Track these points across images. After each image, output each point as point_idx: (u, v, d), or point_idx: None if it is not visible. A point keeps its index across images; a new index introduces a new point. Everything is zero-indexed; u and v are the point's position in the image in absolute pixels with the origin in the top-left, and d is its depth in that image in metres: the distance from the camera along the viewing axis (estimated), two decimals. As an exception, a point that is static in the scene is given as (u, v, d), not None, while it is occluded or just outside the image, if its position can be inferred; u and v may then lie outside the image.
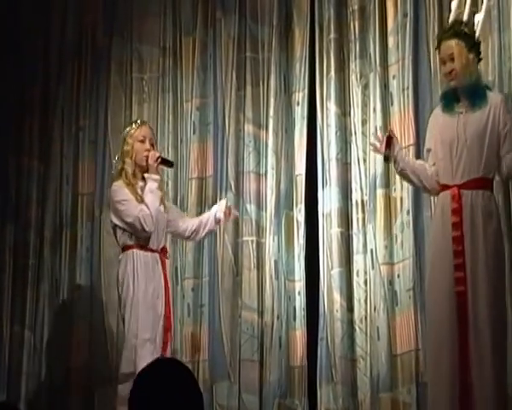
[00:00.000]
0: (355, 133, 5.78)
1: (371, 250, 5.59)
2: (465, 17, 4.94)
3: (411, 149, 5.49)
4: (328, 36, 5.92)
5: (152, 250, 5.24)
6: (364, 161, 5.72)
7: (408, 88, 5.56)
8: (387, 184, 5.59)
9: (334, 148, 5.82)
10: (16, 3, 6.90)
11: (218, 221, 5.50)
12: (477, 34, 4.85)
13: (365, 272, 5.62)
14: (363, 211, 5.68)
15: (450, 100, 4.78)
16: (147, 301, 5.15)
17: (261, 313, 5.90)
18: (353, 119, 5.80)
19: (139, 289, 5.13)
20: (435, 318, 4.68)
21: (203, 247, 6.17)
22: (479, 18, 4.98)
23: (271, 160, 6.01)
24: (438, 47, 4.87)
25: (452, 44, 4.73)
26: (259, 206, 6.04)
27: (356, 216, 5.71)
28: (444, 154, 4.75)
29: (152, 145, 5.38)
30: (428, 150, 4.87)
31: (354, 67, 5.83)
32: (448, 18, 5.09)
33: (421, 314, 5.31)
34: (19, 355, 6.53)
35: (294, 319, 5.80)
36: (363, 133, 5.74)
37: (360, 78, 5.80)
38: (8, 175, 6.82)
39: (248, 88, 6.16)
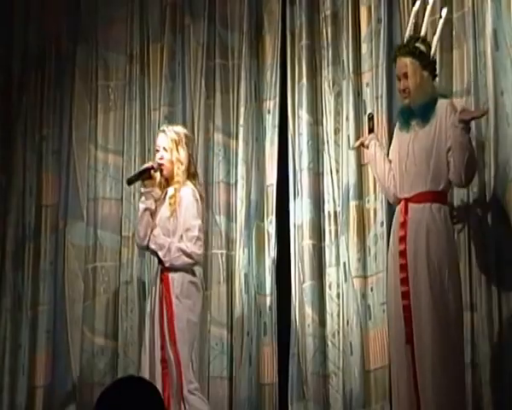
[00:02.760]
0: (327, 142, 5.68)
1: (344, 263, 5.49)
2: (423, 31, 4.89)
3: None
4: (299, 42, 5.83)
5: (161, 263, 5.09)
6: (337, 171, 5.63)
7: (381, 96, 5.46)
8: (361, 196, 5.50)
9: (305, 157, 5.73)
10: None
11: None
12: (432, 51, 4.80)
13: (338, 286, 5.52)
14: (336, 223, 5.59)
15: (405, 117, 4.79)
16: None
17: (231, 329, 5.80)
18: (326, 127, 5.71)
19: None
20: (391, 333, 4.74)
21: (171, 260, 6.03)
22: (435, 35, 4.93)
23: (241, 169, 5.92)
24: (394, 62, 4.88)
25: (407, 62, 4.73)
26: (229, 217, 5.94)
27: (328, 228, 5.61)
28: (397, 169, 4.79)
29: (165, 151, 5.13)
30: (390, 161, 4.88)
31: (327, 74, 5.73)
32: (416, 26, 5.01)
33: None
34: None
35: (265, 334, 5.69)
36: (336, 142, 5.65)
37: (333, 85, 5.71)
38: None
39: (218, 96, 6.07)
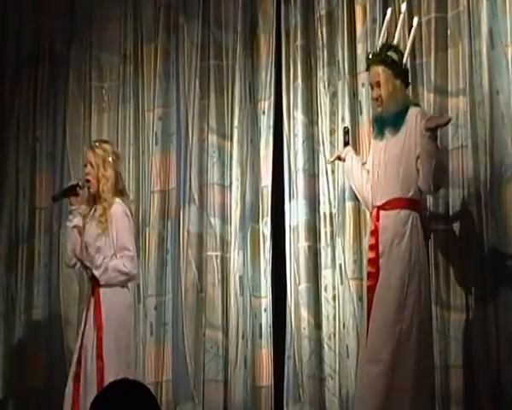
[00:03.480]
0: (323, 143, 5.64)
1: (340, 265, 5.45)
2: (395, 39, 4.86)
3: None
4: (294, 42, 5.79)
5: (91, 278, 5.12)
6: (333, 172, 5.59)
7: (377, 97, 5.39)
8: (357, 197, 5.40)
9: (301, 158, 5.69)
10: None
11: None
12: (405, 60, 4.77)
13: (334, 288, 5.47)
14: (332, 224, 5.54)
15: (379, 126, 4.80)
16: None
17: (226, 331, 5.76)
18: (321, 128, 5.66)
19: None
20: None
21: (166, 263, 6.04)
22: (407, 44, 4.91)
23: (236, 171, 5.88)
24: (367, 70, 4.89)
25: (379, 71, 4.75)
26: (224, 219, 5.90)
27: (324, 229, 5.57)
28: (372, 177, 4.80)
29: (92, 167, 5.13)
30: (367, 171, 4.89)
31: (322, 74, 5.69)
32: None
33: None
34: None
35: (260, 336, 5.66)
36: (332, 143, 5.61)
37: (328, 86, 5.66)
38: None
39: (212, 97, 6.03)
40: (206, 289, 5.84)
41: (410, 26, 4.95)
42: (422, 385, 4.51)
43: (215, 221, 5.90)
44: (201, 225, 5.93)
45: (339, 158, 5.02)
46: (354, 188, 4.98)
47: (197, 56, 6.06)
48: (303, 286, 5.55)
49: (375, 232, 4.67)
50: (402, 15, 4.95)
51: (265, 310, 5.66)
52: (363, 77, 5.48)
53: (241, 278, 5.74)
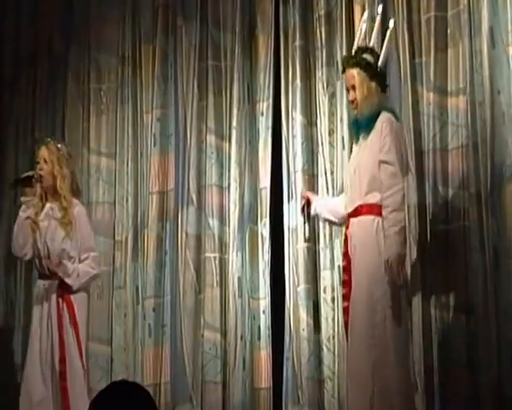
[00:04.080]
0: (322, 144, 5.62)
1: (339, 266, 5.36)
2: (372, 42, 4.83)
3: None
4: (293, 43, 5.76)
5: (48, 277, 5.09)
6: (332, 172, 5.58)
7: (376, 96, 5.36)
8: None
9: (299, 159, 5.67)
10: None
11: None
12: (380, 63, 4.72)
13: (333, 289, 5.44)
14: (331, 225, 5.46)
15: (354, 129, 4.78)
16: (34, 333, 5.08)
17: (224, 333, 5.75)
18: (320, 129, 5.64)
19: (32, 321, 5.13)
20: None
21: (164, 264, 6.03)
22: (383, 47, 4.85)
23: (234, 172, 5.86)
24: (342, 73, 4.85)
25: (354, 74, 4.71)
26: (222, 220, 5.89)
27: (323, 230, 5.54)
28: (348, 183, 4.82)
29: (45, 163, 5.12)
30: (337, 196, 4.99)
31: (321, 75, 5.67)
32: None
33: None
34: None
35: (259, 338, 5.65)
36: (331, 143, 5.59)
37: (327, 86, 5.64)
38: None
39: (210, 97, 6.01)
40: (205, 290, 5.83)
41: (386, 28, 4.88)
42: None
43: (213, 223, 5.88)
44: (200, 227, 5.92)
45: (307, 202, 4.99)
46: (334, 221, 4.93)
47: (195, 57, 6.05)
48: (302, 287, 5.53)
49: (345, 240, 4.67)
50: (378, 17, 4.91)
51: (264, 312, 5.64)
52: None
53: (239, 279, 5.72)
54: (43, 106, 6.50)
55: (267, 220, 5.72)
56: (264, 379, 5.57)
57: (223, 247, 5.84)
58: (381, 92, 4.72)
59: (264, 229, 5.72)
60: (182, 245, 5.91)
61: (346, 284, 4.61)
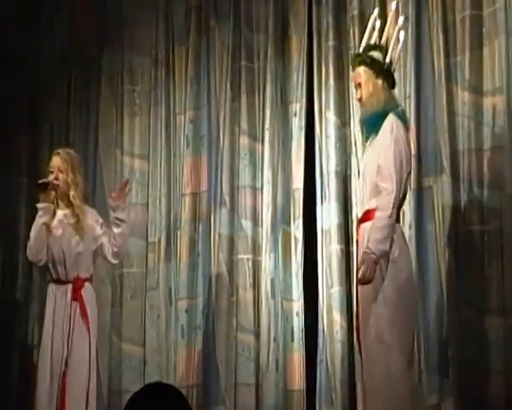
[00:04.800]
0: (355, 144, 5.59)
1: (373, 268, 5.35)
2: (383, 38, 4.78)
3: (412, 160, 5.23)
4: (326, 43, 5.75)
5: (62, 282, 5.15)
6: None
7: (410, 96, 5.36)
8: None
9: (333, 160, 5.65)
10: (5, 15, 6.72)
11: (114, 209, 5.23)
12: (388, 59, 4.67)
13: (367, 291, 5.37)
14: (365, 227, 5.45)
15: (363, 129, 4.75)
16: (47, 341, 5.11)
17: (257, 335, 5.73)
18: (353, 129, 5.61)
19: (44, 328, 5.15)
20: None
21: (197, 265, 6.03)
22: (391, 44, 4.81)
23: (268, 173, 5.85)
24: (353, 71, 4.83)
25: (360, 72, 4.69)
26: (255, 222, 5.88)
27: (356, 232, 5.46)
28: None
29: (61, 172, 5.20)
30: None
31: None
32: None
33: (424, 333, 5.12)
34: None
35: (292, 340, 5.63)
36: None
37: (360, 86, 5.58)
38: (-6, 190, 6.66)
39: (243, 99, 6.01)
40: (238, 292, 5.82)
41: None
42: None
43: (246, 224, 5.87)
44: (232, 228, 5.92)
45: None
46: None
47: (228, 58, 6.05)
48: (335, 289, 5.51)
49: (357, 244, 4.64)
50: (391, 13, 4.87)
51: (297, 313, 5.62)
52: (395, 76, 5.37)
53: (272, 280, 5.71)
54: (77, 108, 6.54)
55: (300, 222, 5.70)
56: (298, 381, 5.56)
57: (256, 248, 5.83)
58: (389, 90, 4.67)
59: (297, 230, 5.70)
60: (215, 247, 5.92)
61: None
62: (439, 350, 5.08)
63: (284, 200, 5.78)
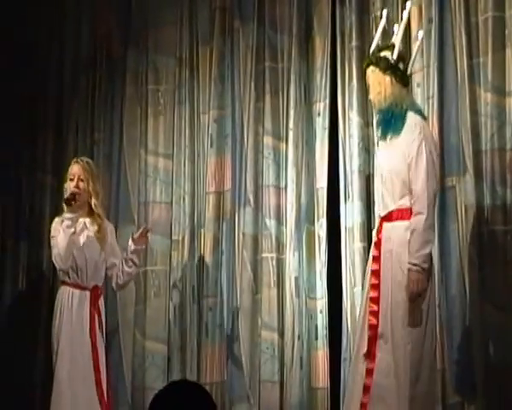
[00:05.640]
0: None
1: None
2: (396, 36, 4.80)
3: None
4: (349, 44, 5.76)
5: (81, 287, 5.31)
6: (388, 172, 5.52)
7: (433, 96, 5.37)
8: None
9: (356, 159, 5.66)
10: (29, 16, 6.79)
11: (132, 251, 5.43)
12: (394, 55, 4.70)
13: (390, 290, 5.40)
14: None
15: (379, 128, 4.77)
16: (67, 342, 5.25)
17: (282, 333, 5.75)
18: (375, 129, 5.57)
19: (62, 334, 5.27)
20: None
21: (221, 264, 6.06)
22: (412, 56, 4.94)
23: (292, 173, 5.86)
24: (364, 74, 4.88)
25: (369, 73, 4.74)
26: (279, 221, 5.90)
27: (380, 231, 5.50)
28: (375, 185, 4.82)
29: (81, 181, 5.35)
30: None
31: (377, 75, 5.62)
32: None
33: (447, 331, 5.15)
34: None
35: (316, 338, 5.65)
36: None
37: (383, 86, 5.60)
38: (21, 191, 6.72)
39: (267, 99, 6.02)
40: (262, 290, 5.84)
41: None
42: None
43: (270, 223, 5.89)
44: (256, 227, 5.94)
45: None
46: None
47: (252, 59, 6.07)
48: (359, 288, 5.49)
49: (377, 244, 4.63)
50: (406, 12, 4.90)
51: (321, 311, 5.64)
52: (418, 76, 5.44)
53: (296, 279, 5.72)
54: (101, 107, 6.58)
55: (324, 220, 5.71)
56: (322, 379, 5.57)
57: (280, 247, 5.84)
58: (399, 86, 4.69)
59: (320, 229, 5.72)
60: (239, 245, 5.94)
61: (375, 287, 4.59)
62: (461, 349, 5.09)
63: (308, 199, 5.80)
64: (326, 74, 5.83)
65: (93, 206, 5.35)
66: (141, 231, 5.47)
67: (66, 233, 5.26)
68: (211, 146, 6.17)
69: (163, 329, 6.20)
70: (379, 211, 4.74)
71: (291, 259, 5.76)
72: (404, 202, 4.55)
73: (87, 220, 5.37)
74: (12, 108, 6.68)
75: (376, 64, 4.68)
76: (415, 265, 4.44)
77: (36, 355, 6.37)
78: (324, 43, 5.86)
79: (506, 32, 5.13)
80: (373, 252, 4.70)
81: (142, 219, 6.34)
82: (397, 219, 4.56)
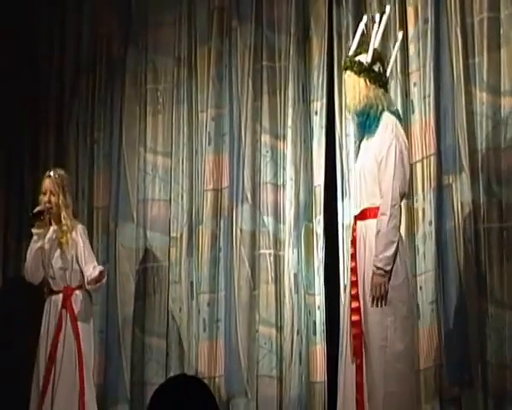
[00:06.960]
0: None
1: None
2: (373, 41, 4.83)
3: (432, 158, 5.37)
4: (346, 43, 5.78)
5: (55, 292, 5.54)
6: (385, 170, 5.57)
7: (429, 96, 5.42)
8: (409, 195, 5.40)
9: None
10: (31, 16, 6.82)
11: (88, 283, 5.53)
12: (368, 58, 4.73)
13: (386, 286, 5.46)
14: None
15: (357, 129, 4.85)
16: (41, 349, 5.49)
17: (280, 328, 5.79)
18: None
19: (40, 339, 5.52)
20: (340, 348, 4.75)
21: (219, 260, 6.11)
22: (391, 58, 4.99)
23: (289, 171, 5.91)
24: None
25: (345, 78, 4.80)
26: (277, 218, 5.93)
27: (377, 227, 5.56)
28: (353, 184, 4.88)
29: (53, 195, 5.51)
30: None
31: (374, 74, 5.68)
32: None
33: (444, 328, 5.20)
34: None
35: (314, 333, 5.69)
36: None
37: (380, 86, 5.66)
38: (23, 190, 6.77)
39: (265, 98, 6.06)
40: (260, 286, 5.88)
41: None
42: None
43: (268, 220, 5.92)
44: (254, 224, 5.97)
45: None
46: None
47: (250, 58, 6.11)
48: (355, 284, 5.57)
49: (353, 242, 4.69)
50: (385, 16, 4.94)
51: (319, 307, 5.67)
52: (415, 76, 5.50)
53: (295, 275, 5.77)
54: (101, 107, 6.62)
55: (321, 218, 5.75)
56: (320, 373, 5.61)
57: (277, 244, 5.88)
58: (374, 87, 4.70)
59: (318, 226, 5.76)
60: (236, 242, 5.98)
61: (354, 285, 4.63)
62: (458, 345, 5.14)
63: (306, 196, 5.84)
64: (323, 74, 5.87)
65: (62, 218, 5.51)
66: (96, 274, 5.48)
67: (32, 249, 5.53)
68: (209, 144, 6.21)
69: (162, 324, 6.24)
70: (356, 210, 4.79)
71: (290, 255, 5.80)
72: (376, 201, 4.58)
73: (56, 228, 5.55)
74: (13, 109, 6.72)
75: (351, 68, 4.72)
76: (378, 268, 4.48)
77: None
78: (321, 43, 5.89)
79: (501, 32, 5.18)
80: (350, 250, 4.76)
81: (141, 216, 6.39)
82: (369, 217, 4.60)
